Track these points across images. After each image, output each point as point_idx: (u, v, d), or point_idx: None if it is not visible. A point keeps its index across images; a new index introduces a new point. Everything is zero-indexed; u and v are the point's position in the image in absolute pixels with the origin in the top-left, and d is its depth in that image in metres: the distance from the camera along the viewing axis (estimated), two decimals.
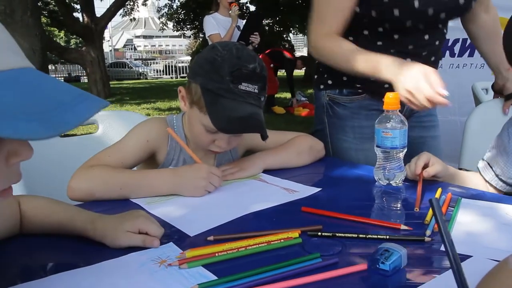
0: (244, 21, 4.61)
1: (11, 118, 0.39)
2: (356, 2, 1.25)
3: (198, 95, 1.07)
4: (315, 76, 1.53)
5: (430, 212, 0.85)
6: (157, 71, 28.07)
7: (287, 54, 8.46)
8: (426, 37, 1.31)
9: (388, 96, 1.04)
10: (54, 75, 26.18)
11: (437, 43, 1.35)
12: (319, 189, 1.06)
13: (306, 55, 10.07)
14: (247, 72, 1.04)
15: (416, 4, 1.20)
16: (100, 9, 14.04)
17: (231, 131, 1.08)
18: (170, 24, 22.29)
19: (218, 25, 4.32)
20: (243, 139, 1.21)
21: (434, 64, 1.37)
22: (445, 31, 1.37)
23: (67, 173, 1.08)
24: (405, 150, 1.05)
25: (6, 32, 0.46)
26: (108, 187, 1.01)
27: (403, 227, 0.80)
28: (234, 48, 1.07)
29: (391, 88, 1.10)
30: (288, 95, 9.31)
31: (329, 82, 1.47)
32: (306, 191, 1.05)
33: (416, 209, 0.89)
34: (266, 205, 0.96)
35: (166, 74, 26.94)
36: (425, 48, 1.32)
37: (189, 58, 28.68)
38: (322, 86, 1.49)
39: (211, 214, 0.92)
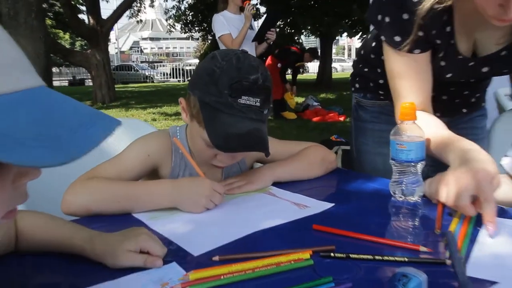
0: (254, 21, 4.55)
1: (22, 144, 0.38)
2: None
3: (196, 108, 1.06)
4: (350, 78, 1.60)
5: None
6: (164, 74, 28.24)
7: (293, 49, 8.41)
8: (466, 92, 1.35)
9: (404, 105, 1.01)
10: (58, 78, 26.53)
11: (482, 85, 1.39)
12: (332, 204, 1.04)
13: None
14: (248, 84, 1.02)
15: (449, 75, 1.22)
16: (106, 10, 14.19)
17: (229, 150, 1.06)
18: (178, 26, 22.44)
19: (229, 24, 4.16)
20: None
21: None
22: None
23: (61, 186, 1.07)
24: (423, 164, 1.03)
25: (17, 48, 0.45)
26: (105, 200, 1.00)
27: (422, 248, 0.78)
28: (234, 58, 1.04)
29: None
30: (300, 99, 9.28)
31: (357, 85, 1.53)
32: (318, 206, 1.03)
33: (437, 231, 0.86)
34: (275, 222, 0.94)
35: (173, 78, 27.10)
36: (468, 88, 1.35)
37: (197, 61, 28.84)
38: (353, 89, 1.56)
39: (216, 232, 0.91)
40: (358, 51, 1.56)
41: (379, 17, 1.15)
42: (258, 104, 1.03)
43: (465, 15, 1.09)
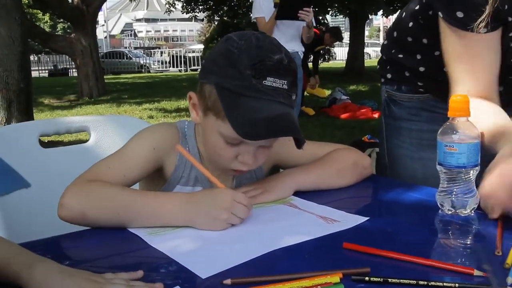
0: None
1: None
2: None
3: (213, 97, 1.07)
4: (377, 66, 1.59)
5: None
6: (162, 63, 28.47)
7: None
8: None
9: (455, 99, 1.01)
10: (36, 68, 26.79)
11: None
12: (366, 218, 1.04)
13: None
14: (272, 64, 1.03)
15: None
16: None
17: (258, 136, 1.06)
18: (179, 5, 22.56)
19: (265, 5, 4.25)
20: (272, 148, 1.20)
21: None
22: None
23: (50, 190, 1.09)
24: (477, 170, 1.02)
25: None
26: (104, 209, 1.02)
27: (476, 272, 0.78)
28: (253, 37, 1.06)
29: None
30: (325, 92, 9.27)
31: (389, 76, 1.51)
32: (349, 220, 1.04)
33: (498, 253, 0.86)
34: (298, 239, 0.94)
35: (174, 67, 27.29)
36: None
37: (201, 46, 28.97)
38: (382, 80, 1.55)
39: (228, 250, 0.91)
40: (389, 32, 1.54)
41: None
42: (285, 86, 1.05)
43: None
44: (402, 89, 1.47)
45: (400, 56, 1.46)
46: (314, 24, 4.70)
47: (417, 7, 1.36)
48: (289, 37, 4.28)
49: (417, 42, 1.31)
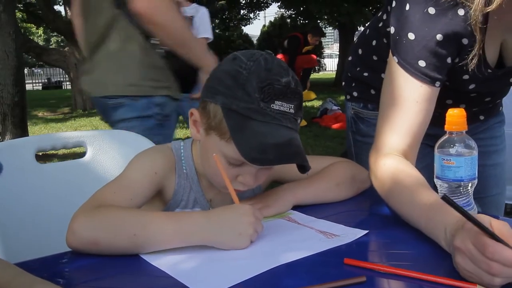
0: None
1: None
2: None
3: (218, 118, 1.05)
4: (343, 83, 1.56)
5: None
6: None
7: (294, 35, 8.31)
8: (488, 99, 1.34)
9: (452, 113, 1.01)
10: (30, 81, 26.76)
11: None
12: (365, 231, 1.03)
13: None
14: (280, 87, 1.02)
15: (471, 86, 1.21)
16: None
17: (266, 162, 1.05)
18: None
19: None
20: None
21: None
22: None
23: (46, 208, 1.07)
24: (475, 183, 1.02)
25: None
26: (118, 233, 0.96)
27: (479, 287, 0.77)
28: (262, 58, 1.04)
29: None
30: (317, 103, 9.30)
31: (355, 94, 1.49)
32: (349, 234, 1.03)
33: None
34: (298, 254, 0.93)
35: None
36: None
37: None
38: (348, 97, 1.52)
39: (229, 267, 0.90)
40: (353, 48, 1.51)
41: (398, 32, 1.11)
42: (292, 110, 1.04)
43: (498, 14, 1.05)
44: (368, 107, 1.45)
45: (366, 74, 1.44)
46: None
47: (380, 24, 1.33)
48: None
49: (382, 61, 1.25)
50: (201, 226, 0.97)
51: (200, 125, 1.12)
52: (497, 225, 0.77)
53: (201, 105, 1.12)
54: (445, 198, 0.78)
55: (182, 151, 1.19)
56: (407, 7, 1.08)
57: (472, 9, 1.00)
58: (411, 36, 1.08)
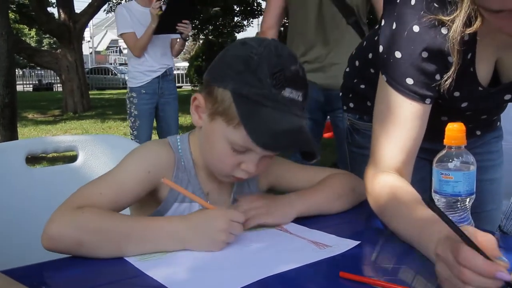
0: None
1: None
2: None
3: (227, 103, 1.04)
4: (340, 93, 1.56)
5: None
6: None
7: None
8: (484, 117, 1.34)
9: (451, 127, 1.00)
10: (20, 82, 26.61)
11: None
12: (357, 242, 1.03)
13: None
14: (291, 75, 1.03)
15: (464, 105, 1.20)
16: (80, 3, 14.37)
17: (278, 148, 1.07)
18: None
19: (133, 20, 3.93)
20: (269, 169, 1.18)
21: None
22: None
23: (35, 215, 1.05)
24: (473, 198, 1.01)
25: None
26: (103, 239, 0.96)
27: None
28: (272, 45, 1.05)
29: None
30: None
31: (351, 105, 1.50)
32: (341, 245, 1.02)
33: None
34: (289, 265, 0.92)
35: None
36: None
37: (186, 64, 28.97)
38: (345, 107, 1.53)
39: (220, 277, 0.89)
40: (351, 60, 1.51)
41: (386, 50, 1.11)
42: (300, 98, 1.05)
43: (490, 33, 1.06)
44: (364, 118, 1.45)
45: (362, 86, 1.43)
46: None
47: (376, 38, 1.31)
48: (162, 53, 4.07)
49: (379, 75, 1.23)
50: (179, 231, 0.99)
51: (204, 111, 1.11)
52: (481, 237, 0.76)
53: (206, 90, 1.10)
54: (429, 204, 0.77)
55: (179, 143, 1.18)
56: (394, 26, 1.08)
57: (451, 30, 1.01)
58: (397, 54, 1.08)
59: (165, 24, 3.91)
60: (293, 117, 1.04)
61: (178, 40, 4.21)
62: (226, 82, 1.04)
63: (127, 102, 4.08)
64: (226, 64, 1.07)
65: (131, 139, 4.00)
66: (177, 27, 3.97)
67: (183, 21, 3.97)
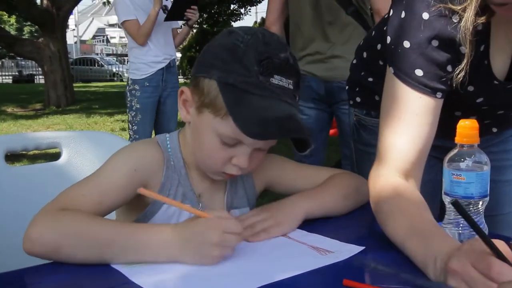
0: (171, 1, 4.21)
1: None
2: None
3: (213, 94, 1.05)
4: (346, 87, 1.57)
5: None
6: None
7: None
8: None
9: (463, 124, 1.00)
10: (0, 73, 26.57)
11: None
12: (362, 248, 1.03)
13: None
14: (279, 62, 1.04)
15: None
16: None
17: (267, 136, 1.07)
18: None
19: (135, 7, 3.96)
20: (264, 168, 1.19)
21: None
22: None
23: (14, 216, 1.04)
24: (486, 201, 1.01)
25: None
26: (83, 244, 0.96)
27: None
28: (259, 33, 1.07)
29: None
30: None
31: (358, 99, 1.50)
32: (344, 251, 1.02)
33: None
34: (290, 272, 0.92)
35: None
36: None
37: (178, 54, 28.93)
38: (351, 102, 1.54)
39: (216, 285, 0.89)
40: (358, 52, 1.52)
41: (394, 41, 1.11)
42: (291, 86, 1.06)
43: (504, 24, 1.06)
44: (371, 114, 1.45)
45: (370, 79, 1.44)
46: None
47: (385, 28, 1.34)
48: (165, 41, 4.11)
49: (386, 67, 1.23)
50: (168, 244, 0.97)
51: (191, 104, 1.12)
52: (500, 246, 0.76)
53: (192, 83, 1.12)
54: (455, 204, 0.77)
55: (168, 142, 1.18)
56: (403, 15, 1.09)
57: (463, 20, 1.01)
58: (406, 44, 1.08)
59: (176, 10, 4.00)
60: (282, 105, 1.05)
61: (178, 30, 4.27)
62: (212, 72, 1.06)
63: (128, 95, 4.05)
64: (212, 54, 1.09)
65: (130, 134, 4.04)
66: (185, 13, 4.04)
67: (192, 6, 4.05)
